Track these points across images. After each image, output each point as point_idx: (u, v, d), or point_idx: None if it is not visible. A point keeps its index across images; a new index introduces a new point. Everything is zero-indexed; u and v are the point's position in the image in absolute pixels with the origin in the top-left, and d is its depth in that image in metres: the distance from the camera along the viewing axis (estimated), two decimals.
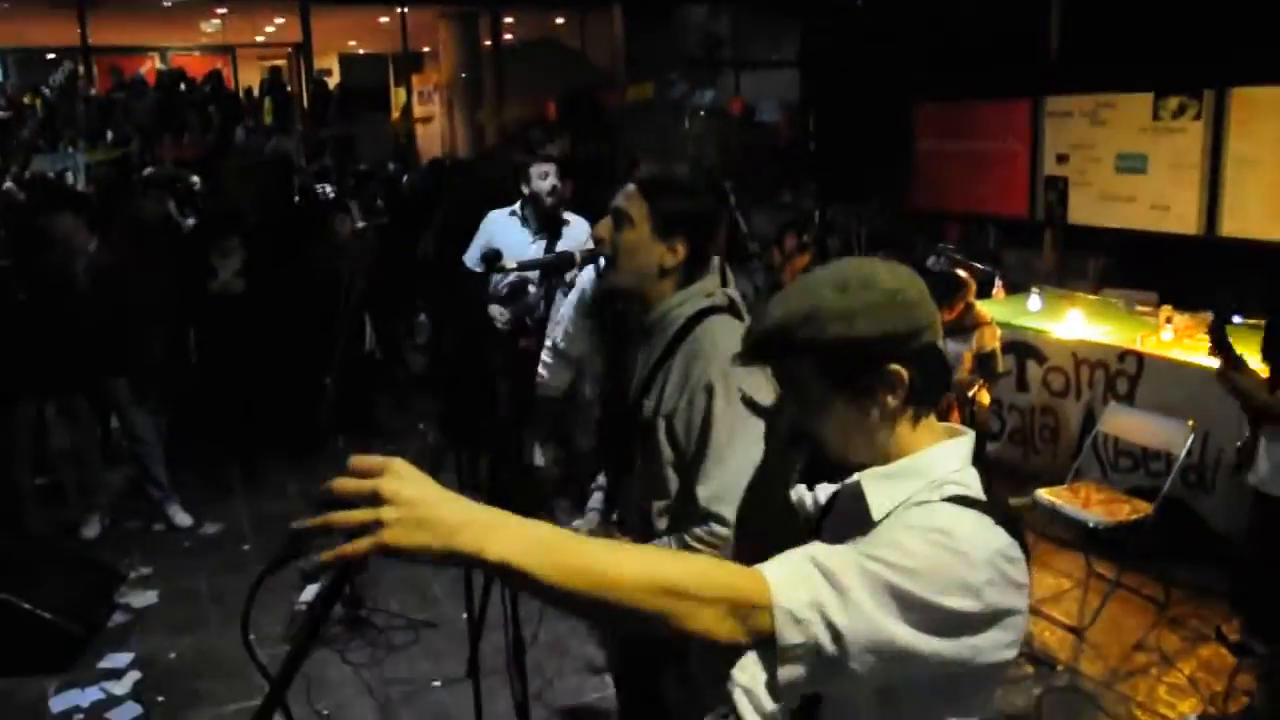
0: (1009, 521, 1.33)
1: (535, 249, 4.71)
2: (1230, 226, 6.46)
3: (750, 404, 2.20)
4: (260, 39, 16.77)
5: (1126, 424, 4.89)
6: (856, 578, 1.22)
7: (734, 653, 1.23)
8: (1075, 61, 7.70)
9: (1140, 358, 5.14)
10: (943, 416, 4.42)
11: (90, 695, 4.08)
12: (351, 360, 5.03)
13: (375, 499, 1.10)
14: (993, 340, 5.11)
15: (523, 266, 2.99)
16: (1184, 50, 6.62)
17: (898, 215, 9.28)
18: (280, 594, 4.82)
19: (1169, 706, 3.78)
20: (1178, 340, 5.21)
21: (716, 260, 2.38)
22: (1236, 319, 4.30)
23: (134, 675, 4.22)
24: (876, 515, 1.37)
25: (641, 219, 2.28)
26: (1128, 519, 4.32)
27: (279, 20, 15.69)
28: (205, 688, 4.11)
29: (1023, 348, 5.87)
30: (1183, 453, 4.43)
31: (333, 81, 17.17)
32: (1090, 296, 6.37)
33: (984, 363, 5.04)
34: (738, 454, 2.21)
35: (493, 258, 4.38)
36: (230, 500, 6.07)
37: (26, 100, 13.54)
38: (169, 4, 14.31)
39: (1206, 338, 3.69)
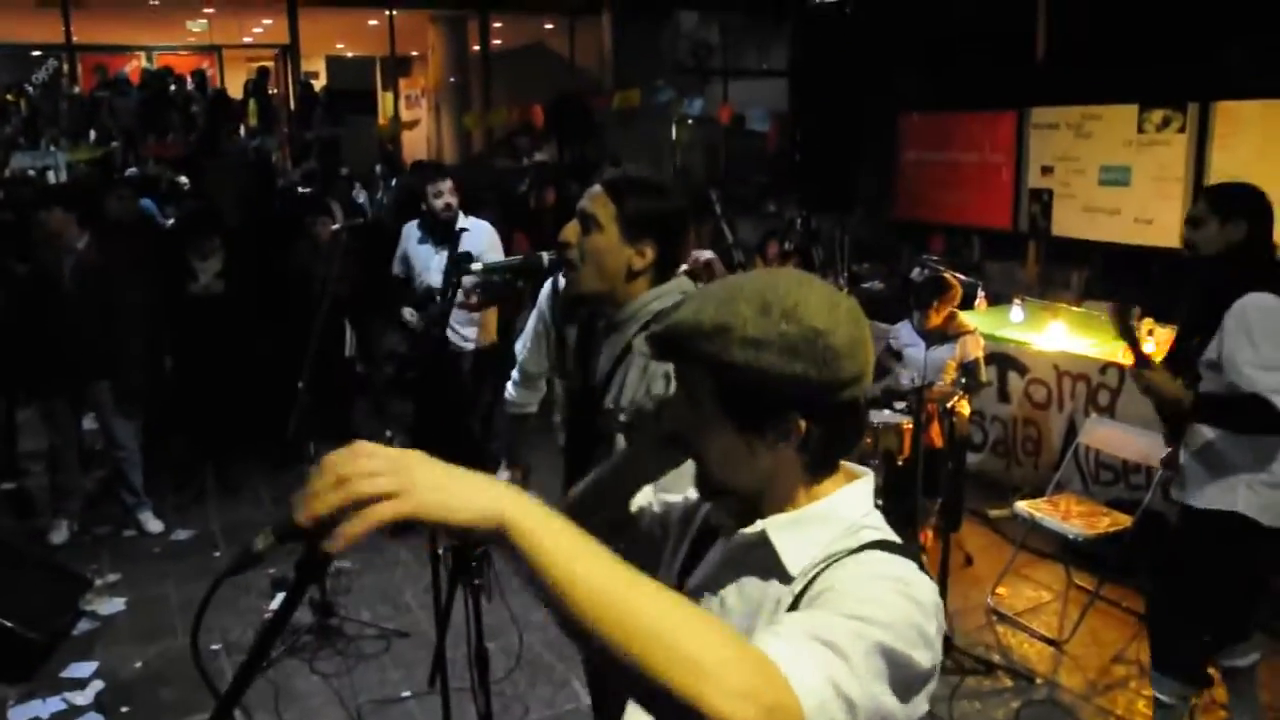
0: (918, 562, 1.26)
1: (439, 257, 5.44)
2: None
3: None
4: (248, 40, 16.67)
5: (1108, 436, 4.86)
6: (851, 643, 1.09)
7: None
8: (1061, 71, 7.70)
9: (1122, 370, 5.11)
10: (923, 428, 4.37)
11: (51, 706, 3.99)
12: (328, 365, 4.97)
13: (392, 470, 0.99)
14: (976, 349, 5.08)
15: (488, 269, 2.94)
16: (1169, 63, 6.63)
17: (882, 225, 9.27)
18: (250, 601, 4.76)
19: (1147, 718, 3.73)
20: (1159, 353, 5.17)
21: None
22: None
23: (97, 685, 4.13)
24: (793, 569, 1.27)
25: (609, 221, 2.24)
26: (1107, 531, 4.29)
27: (266, 21, 15.59)
28: (171, 698, 4.03)
29: (1005, 359, 5.84)
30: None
31: (319, 84, 17.07)
32: (1073, 309, 6.35)
33: (968, 371, 5.01)
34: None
35: (464, 259, 4.46)
36: (202, 506, 5.99)
37: (10, 98, 13.41)
38: (155, 3, 14.22)
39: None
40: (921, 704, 1.20)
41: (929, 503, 4.67)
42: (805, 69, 11.22)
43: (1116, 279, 7.13)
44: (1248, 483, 3.13)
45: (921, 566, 1.24)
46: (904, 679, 1.13)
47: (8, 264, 5.64)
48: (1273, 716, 3.70)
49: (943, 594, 4.07)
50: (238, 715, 3.86)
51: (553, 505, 1.05)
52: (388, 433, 4.30)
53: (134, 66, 15.34)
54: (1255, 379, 2.98)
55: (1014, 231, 7.98)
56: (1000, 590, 4.68)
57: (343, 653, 4.31)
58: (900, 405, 4.92)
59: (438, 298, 4.97)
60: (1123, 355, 3.49)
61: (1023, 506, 4.57)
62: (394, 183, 10.89)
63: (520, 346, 2.95)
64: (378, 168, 12.43)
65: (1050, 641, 4.31)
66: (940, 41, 8.81)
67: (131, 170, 11.22)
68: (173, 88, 14.28)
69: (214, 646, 4.41)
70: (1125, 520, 4.36)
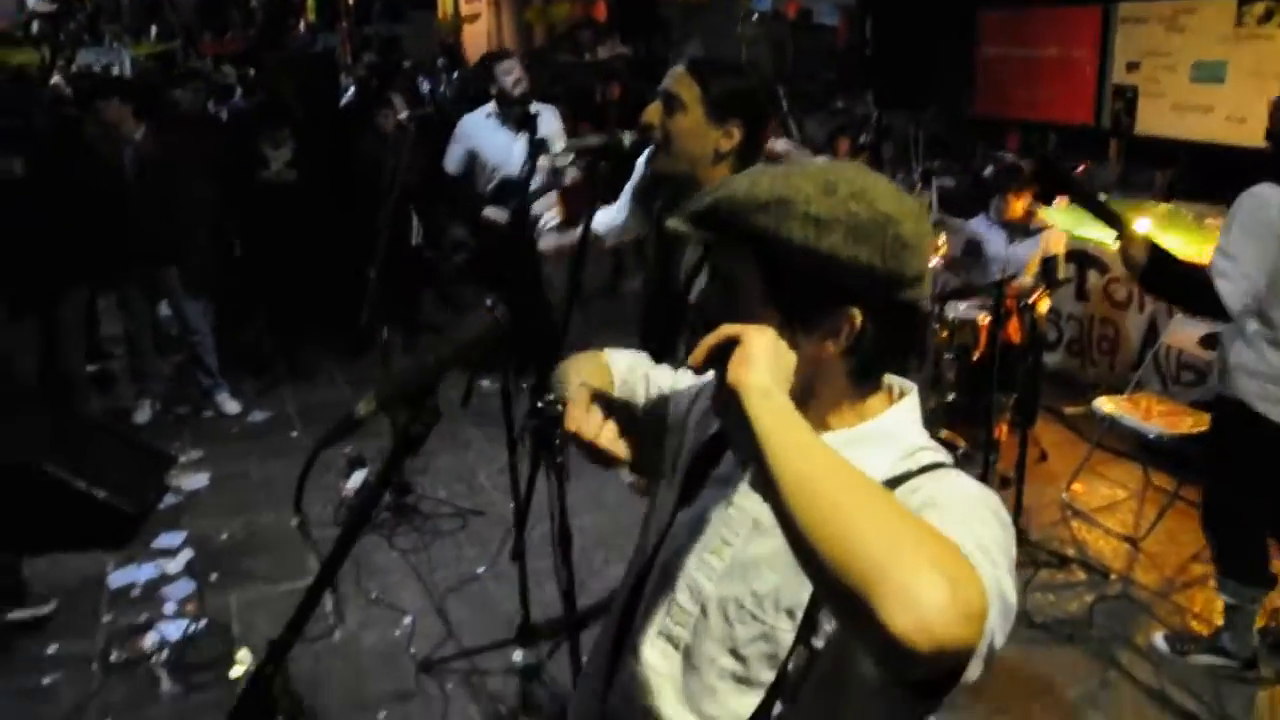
0: None
1: (519, 146, 5.11)
2: None
3: None
4: None
5: (1194, 337, 4.74)
6: (988, 550, 1.02)
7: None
8: None
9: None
10: (1001, 325, 4.23)
11: (146, 572, 4.15)
12: (396, 254, 4.98)
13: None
14: (1058, 245, 4.97)
15: (568, 149, 2.89)
16: None
17: (958, 122, 9.02)
18: (329, 479, 4.88)
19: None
20: None
21: None
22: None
23: (187, 554, 4.28)
24: None
25: (694, 102, 2.19)
26: (1190, 431, 4.21)
27: None
28: (255, 567, 4.17)
29: (1084, 257, 5.70)
30: None
31: None
32: (1159, 206, 6.15)
33: (1047, 268, 4.90)
34: None
35: (541, 145, 4.47)
36: (277, 389, 6.10)
37: None
38: None
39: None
40: None
41: (1004, 398, 4.61)
42: None
43: (1202, 179, 6.89)
44: (1248, 371, 3.07)
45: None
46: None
47: (76, 154, 5.70)
48: None
49: (1018, 490, 4.06)
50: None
51: None
52: (488, 301, 4.30)
53: None
54: (1213, 261, 2.92)
55: (1095, 129, 7.72)
56: (1075, 486, 4.65)
57: (420, 530, 4.41)
58: (976, 300, 4.84)
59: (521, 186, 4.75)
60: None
61: (1102, 404, 4.50)
62: (455, 75, 10.79)
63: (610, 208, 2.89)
64: (439, 60, 12.32)
65: (1126, 539, 4.28)
66: None
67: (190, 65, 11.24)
68: None
69: (293, 522, 4.53)
70: (1208, 421, 4.27)
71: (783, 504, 0.95)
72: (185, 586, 4.03)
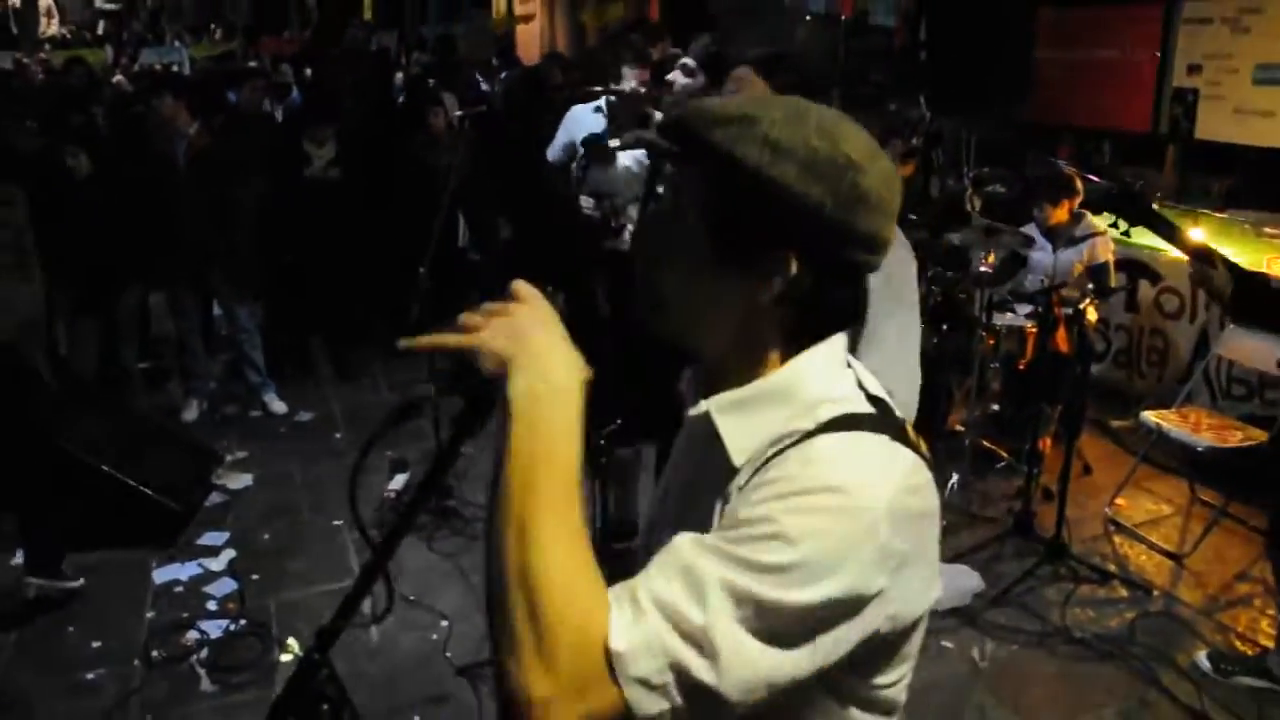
0: (899, 434, 1.06)
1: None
2: None
3: None
4: None
5: (1246, 348, 4.63)
6: (727, 616, 0.93)
7: None
8: None
9: None
10: (1049, 333, 4.18)
11: (189, 570, 4.23)
12: (445, 254, 5.02)
13: (502, 315, 1.04)
14: (1106, 253, 4.88)
15: (625, 144, 2.90)
16: None
17: (1012, 128, 8.89)
18: (370, 480, 4.93)
19: (1270, 638, 3.62)
20: None
21: None
22: None
23: (229, 553, 4.36)
24: (737, 460, 1.07)
25: (759, 92, 2.20)
26: (1240, 445, 4.12)
27: None
28: (296, 568, 4.23)
29: (1137, 266, 5.60)
30: None
31: None
32: (1215, 215, 6.02)
33: (1097, 275, 4.81)
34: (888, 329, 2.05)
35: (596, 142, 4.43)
36: (322, 390, 6.19)
37: None
38: None
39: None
40: (893, 609, 1.01)
41: (1050, 409, 4.54)
42: None
43: (1265, 188, 6.71)
44: None
45: (903, 438, 1.05)
46: (847, 609, 0.97)
47: (132, 149, 5.83)
48: None
49: (1060, 503, 4.00)
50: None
51: None
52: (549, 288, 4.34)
53: None
54: None
55: (1152, 134, 7.56)
56: (1119, 501, 4.56)
57: (459, 533, 4.44)
58: (1024, 310, 4.77)
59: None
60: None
61: (1149, 417, 4.41)
62: (504, 75, 10.83)
63: None
64: (494, 60, 12.39)
65: (1170, 555, 4.19)
66: None
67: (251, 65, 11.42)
68: None
69: (335, 522, 4.60)
70: (1260, 435, 4.18)
71: (495, 511, 0.97)
72: (227, 585, 4.10)
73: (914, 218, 5.11)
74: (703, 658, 0.93)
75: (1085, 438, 5.03)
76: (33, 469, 4.01)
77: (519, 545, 0.94)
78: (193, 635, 3.74)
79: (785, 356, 1.10)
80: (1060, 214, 4.85)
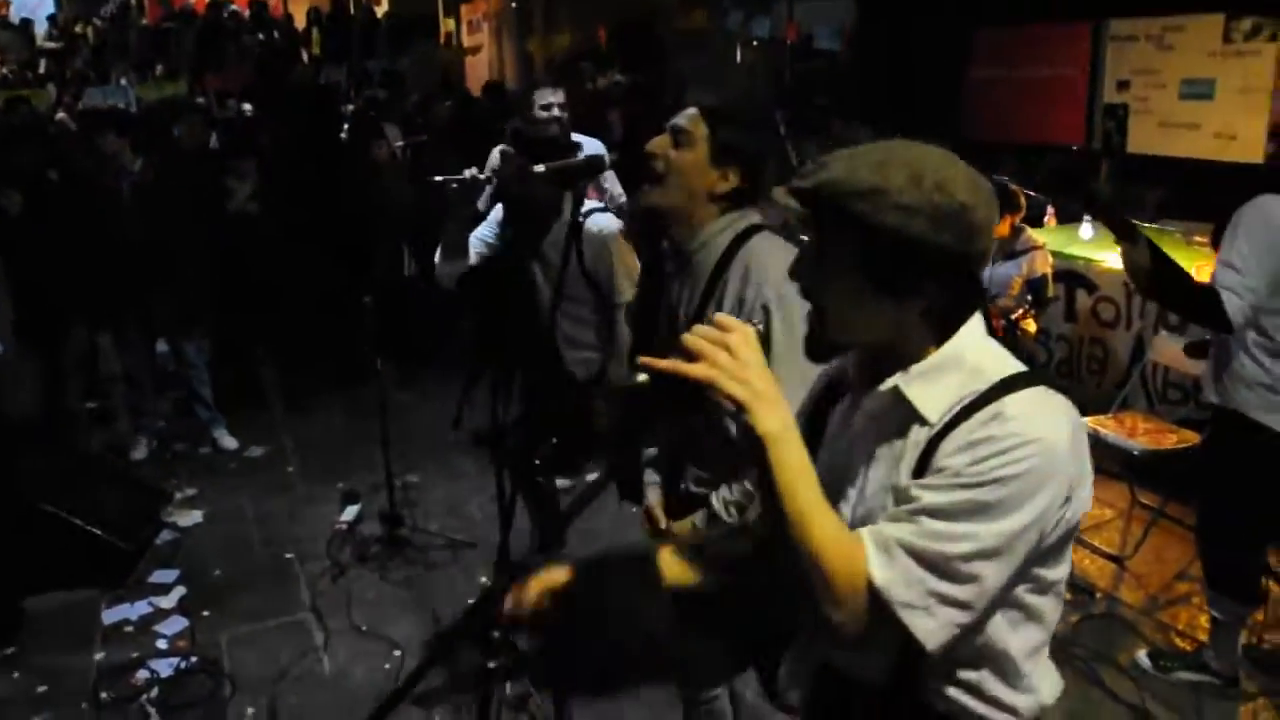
0: (1050, 380, 1.41)
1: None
2: None
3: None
4: None
5: (1178, 354, 4.75)
6: (960, 546, 1.29)
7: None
8: None
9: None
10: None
11: (139, 609, 4.19)
12: (390, 283, 5.03)
13: (724, 349, 1.30)
14: (1044, 265, 5.00)
15: (551, 171, 2.94)
16: None
17: (950, 144, 9.06)
18: (320, 511, 4.94)
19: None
20: None
21: None
22: None
23: (180, 591, 4.33)
24: (932, 416, 1.38)
25: (700, 140, 2.26)
26: (1175, 448, 4.22)
27: None
28: (247, 603, 4.20)
29: (1073, 276, 5.72)
30: None
31: (382, 10, 17.05)
32: (1147, 226, 6.17)
33: (1035, 288, 4.92)
34: (794, 379, 2.07)
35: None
36: (274, 424, 6.17)
37: (78, 30, 13.63)
38: None
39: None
40: (1069, 514, 1.36)
41: None
42: None
43: (1194, 198, 6.90)
44: (1246, 382, 3.06)
45: (1053, 383, 1.39)
46: (1043, 525, 1.32)
47: (76, 186, 5.78)
48: None
49: None
50: (311, 620, 4.03)
51: None
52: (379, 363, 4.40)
53: None
54: (1216, 274, 2.92)
55: (1086, 149, 7.75)
56: None
57: (412, 562, 4.44)
58: None
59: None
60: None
61: (1087, 423, 4.50)
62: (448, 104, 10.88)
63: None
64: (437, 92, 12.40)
65: (1111, 557, 4.28)
66: None
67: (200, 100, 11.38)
68: (225, 16, 14.37)
69: (287, 555, 4.58)
70: (1193, 438, 4.28)
71: (777, 512, 1.31)
72: (177, 623, 4.07)
73: None
74: (951, 581, 1.29)
75: None
76: None
77: (804, 531, 1.29)
78: (143, 675, 3.71)
79: (940, 340, 1.41)
80: (1001, 228, 4.96)
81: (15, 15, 14.30)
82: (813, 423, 1.60)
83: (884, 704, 1.49)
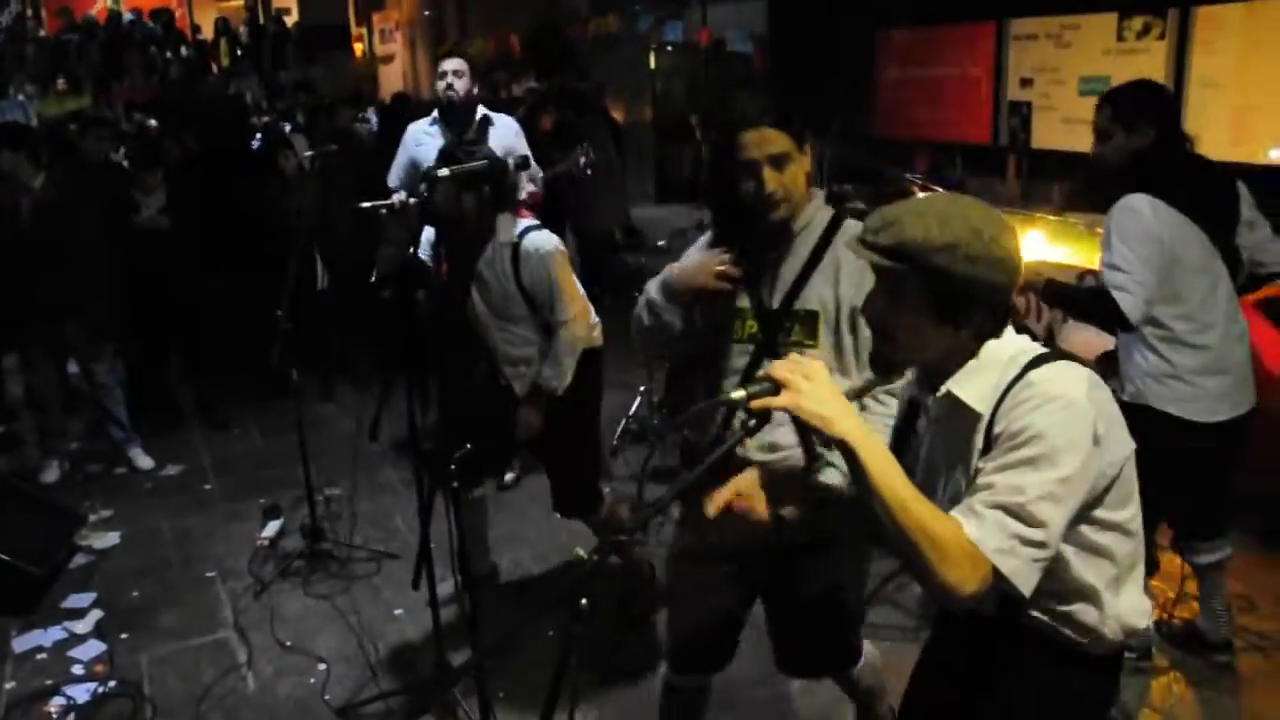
0: (1071, 356, 1.71)
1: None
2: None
3: None
4: None
5: (1085, 342, 4.89)
6: (1028, 496, 1.58)
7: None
8: None
9: (1099, 277, 5.13)
10: None
11: (53, 635, 4.06)
12: (303, 296, 4.94)
13: (804, 377, 1.60)
14: None
15: (456, 176, 2.93)
16: None
17: (862, 145, 9.23)
18: (243, 528, 4.85)
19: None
20: None
21: None
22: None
23: (96, 614, 4.20)
24: (981, 407, 1.69)
25: (793, 149, 2.30)
26: None
27: None
28: (167, 623, 4.10)
29: None
30: None
31: (291, 20, 16.79)
32: (1050, 218, 6.36)
33: None
34: None
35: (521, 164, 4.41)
36: (191, 442, 6.03)
37: None
38: None
39: None
40: (1111, 454, 1.67)
41: None
42: None
43: (1098, 191, 7.12)
44: (1154, 376, 3.16)
45: (1074, 358, 1.70)
46: (1088, 471, 1.62)
47: None
48: (1244, 605, 3.80)
49: None
50: (233, 638, 3.95)
51: None
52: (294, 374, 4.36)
53: (101, 7, 15.07)
54: (1105, 276, 3.05)
55: (994, 146, 7.96)
56: None
57: (335, 575, 4.38)
58: None
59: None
60: None
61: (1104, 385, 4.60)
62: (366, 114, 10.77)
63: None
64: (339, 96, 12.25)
65: None
66: None
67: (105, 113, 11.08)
68: (130, 25, 14.02)
69: (209, 574, 4.49)
70: None
71: (876, 505, 1.57)
72: (94, 647, 3.95)
73: None
74: (1027, 525, 1.58)
75: None
76: None
77: (906, 513, 1.55)
78: (58, 702, 3.59)
79: (979, 348, 1.73)
80: None
81: None
82: (902, 438, 1.95)
83: (995, 629, 1.82)
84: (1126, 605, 1.80)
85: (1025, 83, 7.64)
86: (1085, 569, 1.74)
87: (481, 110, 5.14)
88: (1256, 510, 4.13)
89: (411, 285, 3.40)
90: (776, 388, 1.60)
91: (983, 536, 1.58)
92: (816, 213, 2.41)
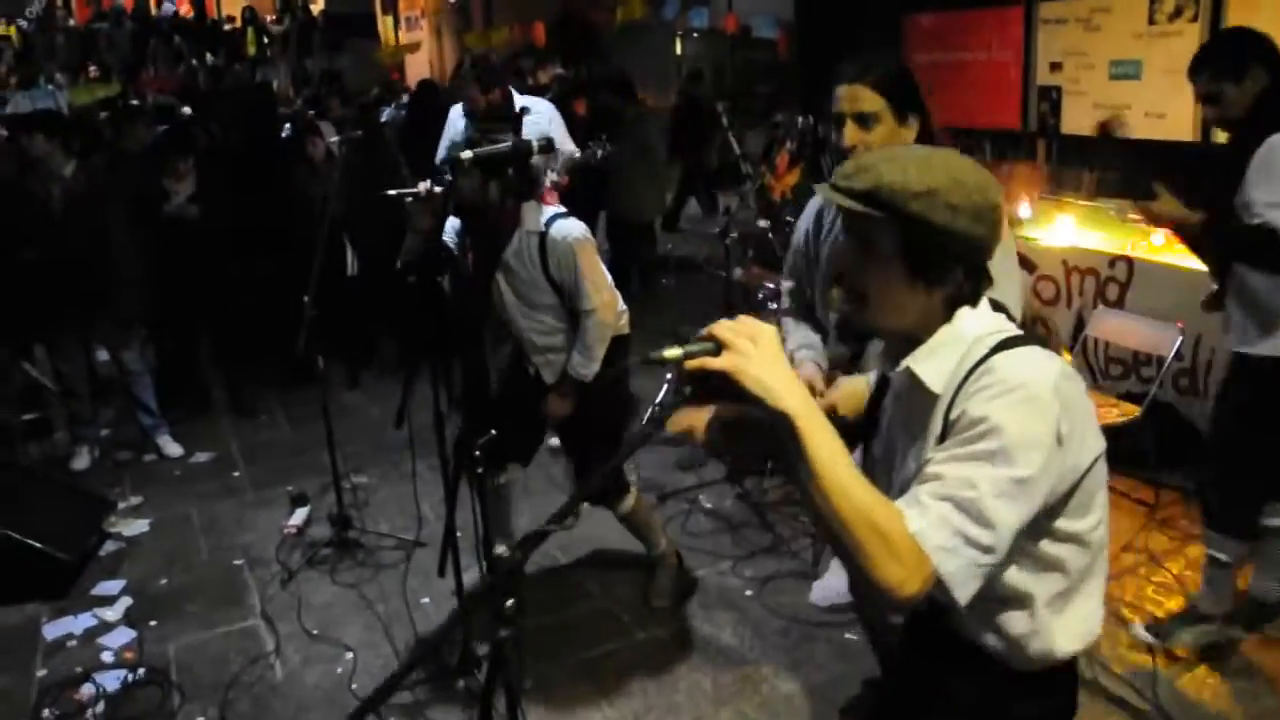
0: (1043, 344, 1.56)
1: None
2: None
3: None
4: None
5: (1116, 327, 4.84)
6: (979, 491, 1.42)
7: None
8: None
9: (1131, 263, 5.07)
10: None
11: (83, 622, 4.09)
12: (331, 282, 4.94)
13: (750, 340, 1.39)
14: None
15: (478, 159, 2.91)
16: None
17: None
18: (270, 515, 4.87)
19: (1156, 604, 3.78)
20: (1168, 245, 5.14)
21: None
22: None
23: (126, 601, 4.24)
24: (939, 388, 1.55)
25: (884, 110, 2.33)
26: (1115, 422, 4.29)
27: None
28: (195, 611, 4.13)
29: None
30: (1171, 354, 4.39)
31: (317, 8, 16.82)
32: (1081, 203, 6.28)
33: None
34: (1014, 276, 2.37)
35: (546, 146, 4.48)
36: (220, 429, 6.07)
37: (1, 31, 13.26)
38: None
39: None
40: (1074, 460, 1.51)
41: None
42: None
43: (1128, 177, 7.03)
44: None
45: (1043, 342, 1.55)
46: (1049, 472, 1.45)
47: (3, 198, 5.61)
48: None
49: None
50: (261, 626, 3.97)
51: None
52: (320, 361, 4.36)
53: None
54: (1267, 215, 2.93)
55: (1023, 131, 7.86)
56: None
57: (363, 564, 4.40)
58: None
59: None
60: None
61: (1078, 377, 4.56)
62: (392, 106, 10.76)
63: (789, 285, 2.93)
64: (374, 90, 12.30)
65: None
66: None
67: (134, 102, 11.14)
68: (158, 13, 14.09)
69: (236, 562, 4.51)
70: (1134, 410, 4.36)
71: (815, 490, 1.39)
72: (123, 635, 3.98)
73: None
74: (975, 523, 1.42)
75: None
76: None
77: (847, 499, 1.38)
78: (88, 689, 3.62)
79: (946, 319, 1.59)
80: None
81: None
82: (872, 417, 1.81)
83: (922, 628, 1.72)
84: (1064, 624, 1.64)
85: (1055, 67, 7.52)
86: (1027, 579, 1.60)
87: (519, 102, 5.24)
88: None
89: (435, 273, 3.38)
90: (718, 348, 1.38)
91: (925, 530, 1.41)
92: None
